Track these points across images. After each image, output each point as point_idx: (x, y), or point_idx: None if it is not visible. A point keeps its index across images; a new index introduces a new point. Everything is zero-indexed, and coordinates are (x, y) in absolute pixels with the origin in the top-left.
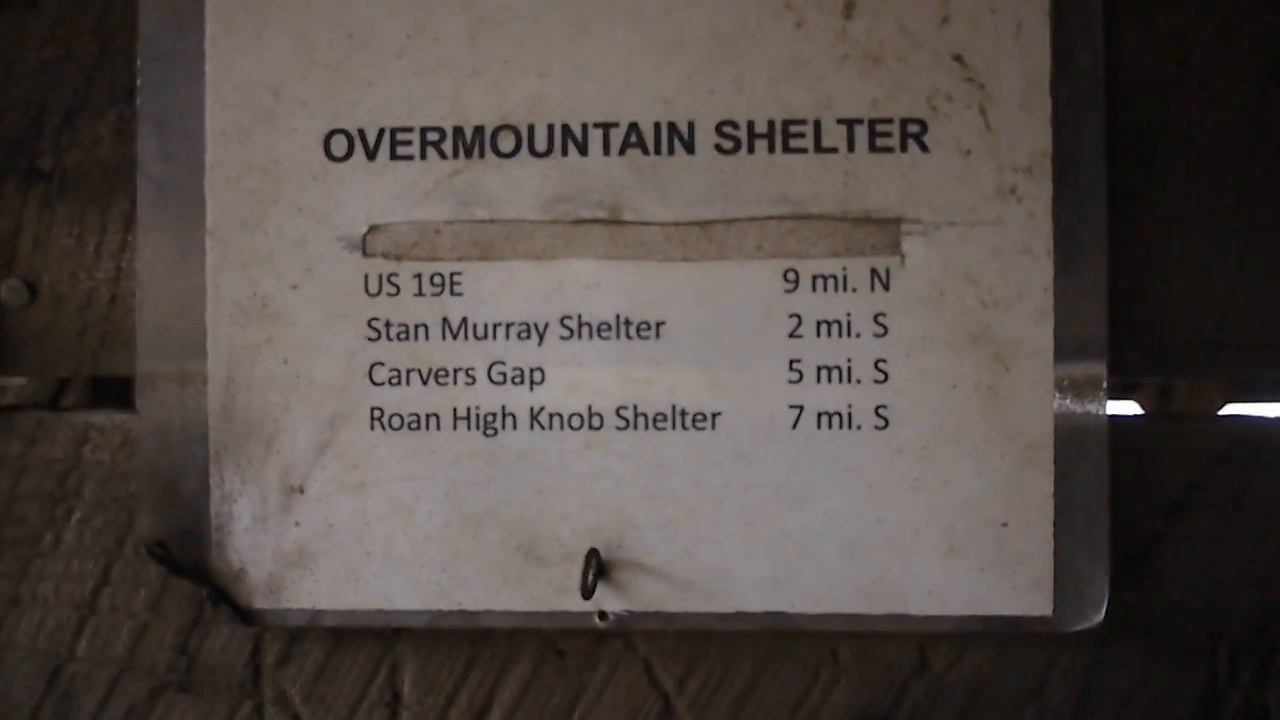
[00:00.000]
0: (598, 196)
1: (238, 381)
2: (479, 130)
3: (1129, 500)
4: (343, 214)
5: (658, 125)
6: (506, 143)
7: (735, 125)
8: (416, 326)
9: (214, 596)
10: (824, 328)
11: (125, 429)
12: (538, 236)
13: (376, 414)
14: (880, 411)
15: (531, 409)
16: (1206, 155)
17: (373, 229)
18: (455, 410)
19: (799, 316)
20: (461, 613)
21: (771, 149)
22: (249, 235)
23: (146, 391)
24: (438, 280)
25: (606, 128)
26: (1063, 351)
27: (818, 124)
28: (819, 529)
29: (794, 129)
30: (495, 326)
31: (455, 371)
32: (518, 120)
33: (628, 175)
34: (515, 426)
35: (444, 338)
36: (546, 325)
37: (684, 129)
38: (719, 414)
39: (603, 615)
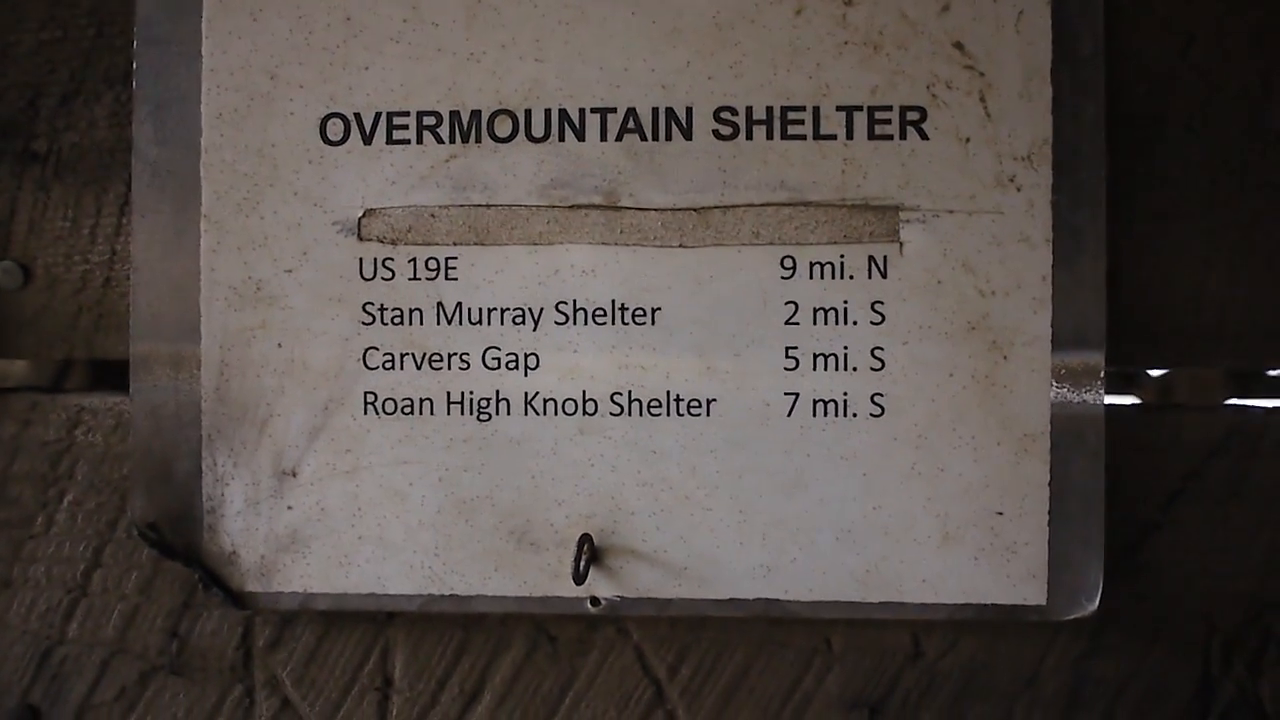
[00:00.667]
0: (594, 182)
1: (231, 365)
2: (475, 115)
3: (1125, 490)
4: (338, 198)
5: (655, 111)
6: (503, 127)
7: (733, 111)
8: (411, 311)
9: (205, 580)
10: (821, 315)
11: (118, 412)
12: (534, 222)
13: (370, 398)
14: (876, 399)
15: (526, 394)
16: (1207, 145)
17: (368, 213)
18: (449, 395)
19: (796, 303)
20: (453, 597)
21: (770, 135)
22: (244, 219)
23: (140, 374)
24: (433, 265)
25: (604, 113)
26: (1060, 341)
27: (816, 111)
28: (813, 516)
29: (792, 116)
30: (490, 311)
31: (449, 356)
32: (514, 105)
33: (625, 161)
34: (509, 412)
35: (438, 322)
36: (541, 310)
37: (682, 115)
38: (714, 401)
39: (595, 601)
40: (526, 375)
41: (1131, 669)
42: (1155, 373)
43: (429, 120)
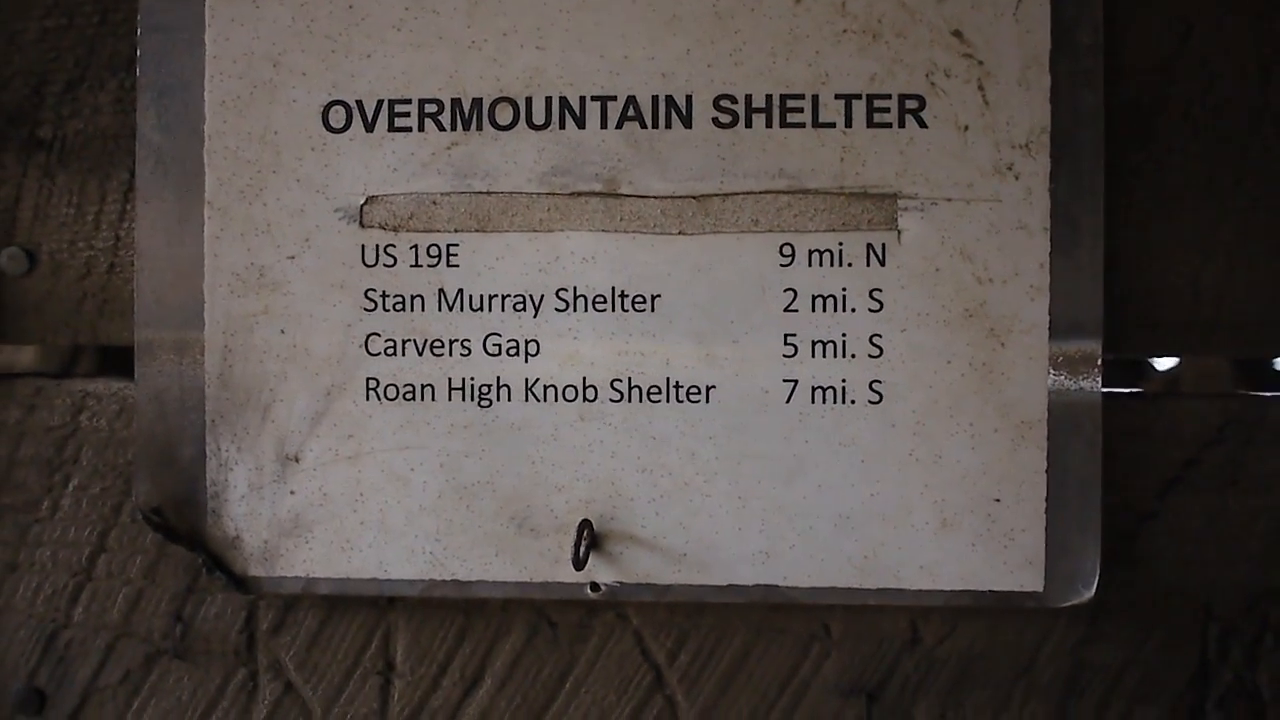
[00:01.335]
0: (595, 169)
1: (235, 351)
2: (477, 102)
3: (1122, 477)
4: (341, 185)
5: (655, 98)
6: (504, 115)
7: (733, 99)
8: (413, 297)
9: (209, 564)
10: (819, 302)
11: (123, 397)
12: (534, 209)
13: (372, 384)
14: (875, 386)
15: (526, 380)
16: (1206, 133)
17: (370, 200)
18: (450, 381)
19: (794, 291)
20: (454, 582)
21: (769, 123)
22: (247, 205)
23: (144, 360)
24: (434, 251)
25: (604, 100)
26: (1058, 328)
27: (815, 99)
28: (812, 503)
29: (792, 104)
30: (491, 298)
31: (451, 343)
32: (515, 93)
33: (625, 148)
34: (510, 398)
35: (440, 309)
36: (542, 297)
37: (681, 102)
38: (713, 387)
39: (595, 587)
40: (527, 361)
41: (1128, 656)
42: (1152, 361)
43: (431, 108)
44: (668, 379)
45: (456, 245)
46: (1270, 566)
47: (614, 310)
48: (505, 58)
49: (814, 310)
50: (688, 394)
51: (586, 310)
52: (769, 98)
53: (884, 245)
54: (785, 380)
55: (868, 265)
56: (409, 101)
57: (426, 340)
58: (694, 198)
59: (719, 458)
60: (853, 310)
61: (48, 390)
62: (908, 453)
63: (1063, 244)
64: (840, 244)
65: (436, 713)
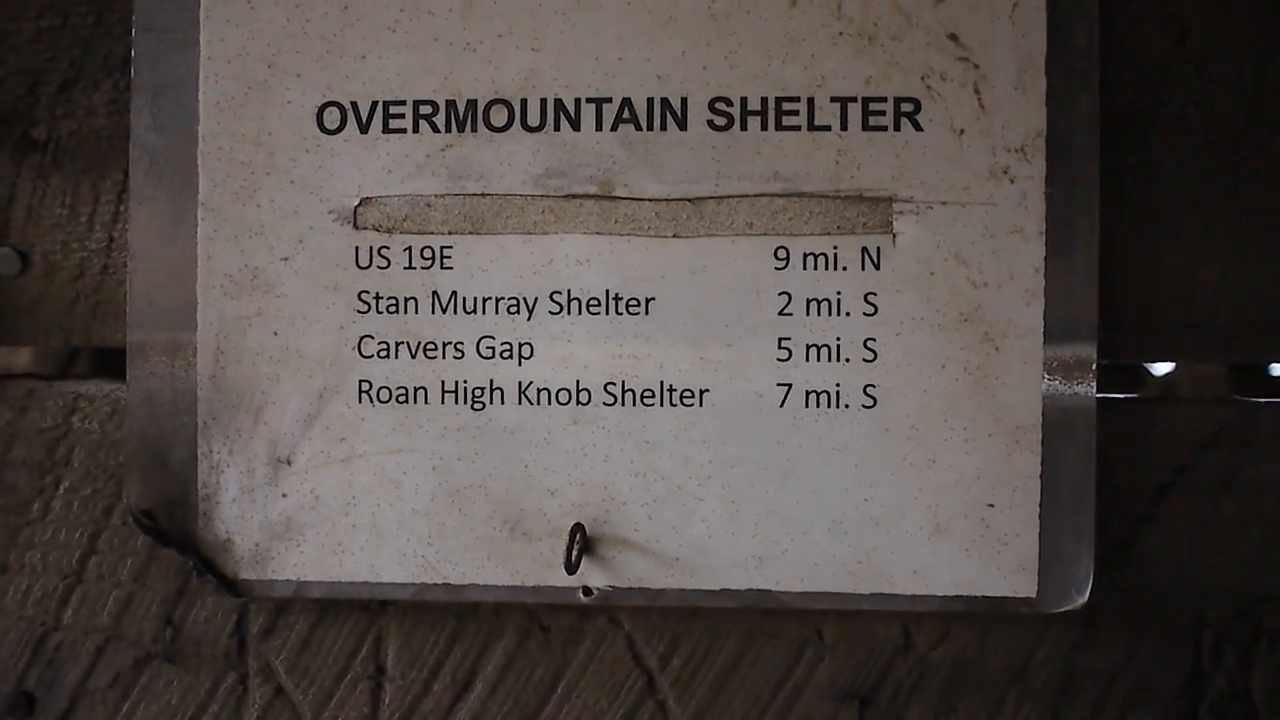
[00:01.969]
0: (589, 171)
1: (227, 352)
2: (471, 104)
3: (1116, 483)
4: (335, 186)
5: (650, 101)
6: (499, 117)
7: (728, 102)
8: (406, 300)
9: (200, 567)
10: (814, 306)
11: (115, 399)
12: (529, 211)
13: (365, 387)
14: (869, 391)
15: (519, 383)
16: (1201, 137)
17: (364, 202)
18: (443, 384)
19: (789, 294)
20: (446, 586)
21: (764, 126)
22: (241, 207)
23: (137, 361)
24: (428, 254)
25: (599, 103)
26: (1052, 333)
27: (811, 102)
28: (805, 507)
29: (787, 106)
30: (484, 301)
31: (444, 345)
32: (510, 94)
33: (620, 150)
34: (503, 401)
35: (433, 311)
36: (536, 300)
37: (677, 105)
38: (707, 391)
39: (587, 591)
40: (520, 365)
41: (1122, 661)
42: (1147, 365)
43: (425, 109)
44: (661, 382)
45: (450, 247)
46: (1264, 572)
47: (608, 313)
48: (500, 59)
49: (808, 314)
50: (681, 397)
51: (580, 313)
52: (764, 100)
53: (879, 249)
54: (779, 384)
55: (862, 269)
56: (403, 103)
57: (420, 343)
58: (689, 200)
59: (712, 461)
60: (847, 314)
61: (40, 392)
62: (901, 457)
63: (1058, 248)
64: (835, 247)
65: (428, 717)
